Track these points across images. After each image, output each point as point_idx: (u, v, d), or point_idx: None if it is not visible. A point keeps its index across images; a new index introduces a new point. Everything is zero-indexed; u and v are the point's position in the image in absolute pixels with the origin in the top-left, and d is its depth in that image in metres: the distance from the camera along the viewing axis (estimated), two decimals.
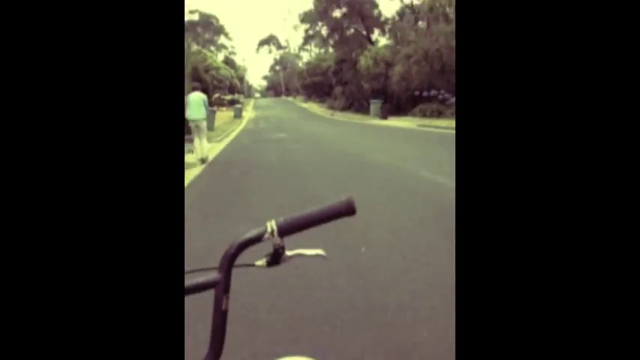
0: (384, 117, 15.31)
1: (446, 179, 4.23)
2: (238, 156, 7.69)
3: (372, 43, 20.97)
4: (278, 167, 6.18)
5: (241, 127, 14.81)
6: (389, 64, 17.40)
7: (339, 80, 23.30)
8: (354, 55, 20.61)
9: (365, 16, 21.29)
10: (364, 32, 21.90)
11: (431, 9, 15.85)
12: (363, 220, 2.96)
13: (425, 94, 15.13)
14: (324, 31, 24.21)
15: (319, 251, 0.50)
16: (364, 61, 17.49)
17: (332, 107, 23.71)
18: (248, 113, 24.24)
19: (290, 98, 51.41)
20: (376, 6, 21.82)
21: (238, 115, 20.22)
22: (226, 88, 34.03)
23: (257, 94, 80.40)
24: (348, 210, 0.47)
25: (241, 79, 51.08)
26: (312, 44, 34.42)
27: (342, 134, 10.93)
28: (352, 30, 22.58)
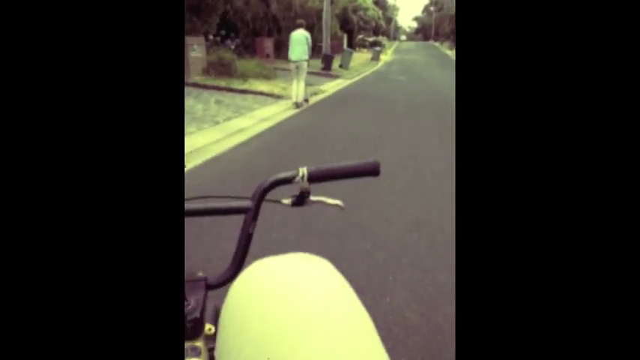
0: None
1: None
2: (359, 88, 9.47)
3: None
4: (383, 97, 7.79)
5: (374, 69, 16.24)
6: None
7: None
8: None
9: None
10: None
11: None
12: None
13: None
14: None
15: (338, 202, 0.54)
16: None
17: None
18: (386, 57, 25.09)
19: (437, 43, 48.53)
20: None
21: (376, 57, 21.37)
22: (371, 30, 34.71)
23: (403, 37, 77.43)
24: (373, 171, 0.53)
25: (389, 20, 50.13)
26: None
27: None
28: None
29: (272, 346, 0.30)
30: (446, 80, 11.55)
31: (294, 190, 0.53)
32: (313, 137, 4.50)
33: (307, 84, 6.94)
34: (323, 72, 12.15)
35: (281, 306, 0.33)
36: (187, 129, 4.45)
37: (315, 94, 7.90)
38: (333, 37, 17.12)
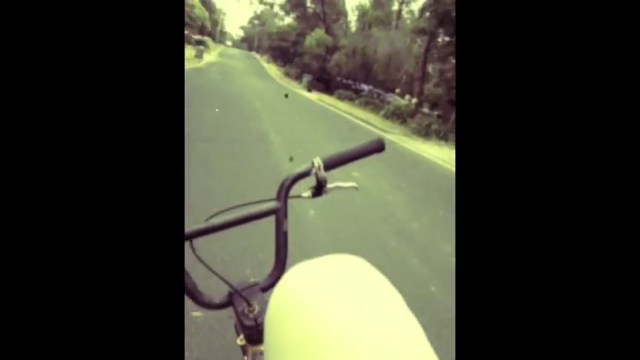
0: (309, 90, 19.75)
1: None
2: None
3: (326, 27, 25.05)
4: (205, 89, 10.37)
5: (197, 65, 18.34)
6: (329, 50, 21.73)
7: (295, 51, 27.19)
8: (309, 32, 24.63)
9: (324, 1, 25.25)
10: (322, 15, 25.91)
11: (363, 15, 20.31)
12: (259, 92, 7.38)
13: (345, 81, 19.79)
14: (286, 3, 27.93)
15: (353, 184, 0.59)
16: (309, 40, 21.70)
17: (287, 74, 27.68)
18: (210, 58, 27.38)
19: (257, 55, 53.90)
20: None
21: (199, 55, 23.42)
22: (197, 29, 35.99)
23: (229, 43, 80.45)
24: (378, 147, 0.57)
25: (215, 22, 52.08)
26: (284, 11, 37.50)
27: (266, 92, 15.10)
28: (311, 10, 26.50)
29: (320, 355, 0.29)
30: (254, 86, 15.03)
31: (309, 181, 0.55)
32: None
33: None
34: None
35: (326, 309, 0.32)
36: None
37: None
38: None
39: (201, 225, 0.49)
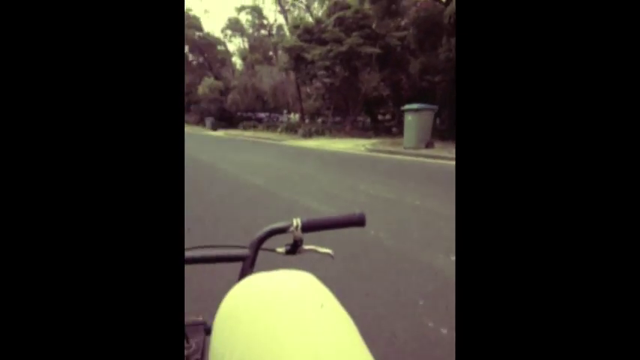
0: (215, 129, 22.51)
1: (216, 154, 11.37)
2: None
3: (215, 75, 28.21)
4: None
5: None
6: (222, 92, 24.84)
7: (190, 100, 29.75)
8: (199, 81, 27.53)
9: (205, 52, 28.53)
10: (207, 64, 29.08)
11: (244, 58, 24.05)
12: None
13: (245, 114, 23.04)
14: None
15: (328, 250, 0.60)
16: (201, 89, 24.64)
17: (188, 122, 29.87)
18: None
19: None
20: (220, 43, 29.34)
21: None
22: None
23: None
24: (358, 221, 0.58)
25: None
26: None
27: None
28: (195, 62, 29.61)
29: (261, 356, 0.31)
30: None
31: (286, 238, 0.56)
32: None
33: None
34: None
35: (269, 317, 0.35)
36: None
37: None
38: None
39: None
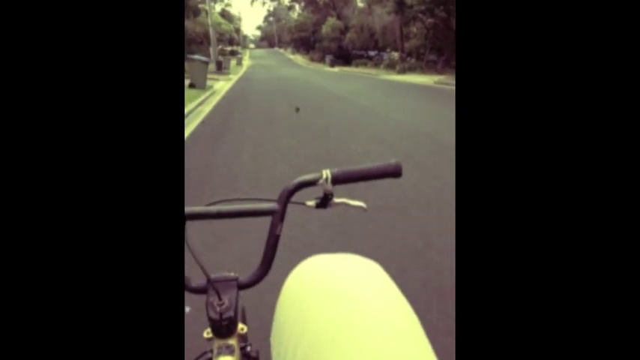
0: (332, 66, 26.93)
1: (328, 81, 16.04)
2: (248, 77, 19.39)
3: (337, 14, 32.01)
4: (263, 82, 17.94)
5: (244, 69, 26.26)
6: (342, 32, 28.74)
7: (315, 39, 34.48)
8: (323, 20, 31.85)
9: None
10: (331, 4, 32.90)
11: None
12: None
13: (358, 52, 26.77)
14: None
15: (361, 203, 0.57)
16: (324, 29, 28.94)
17: (312, 59, 35.07)
18: (246, 62, 35.68)
19: (281, 50, 61.93)
20: None
21: (239, 62, 31.72)
22: (227, 41, 44.36)
23: (251, 45, 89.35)
24: (395, 172, 0.55)
25: (237, 30, 60.54)
26: (298, 5, 44.97)
27: (300, 74, 22.39)
28: (322, 1, 33.67)
29: (325, 343, 0.32)
30: (289, 72, 22.40)
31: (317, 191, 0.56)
32: (247, 87, 14.40)
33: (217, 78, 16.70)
34: (217, 72, 21.52)
35: (332, 305, 0.35)
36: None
37: (229, 79, 17.61)
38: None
39: (200, 208, 0.54)
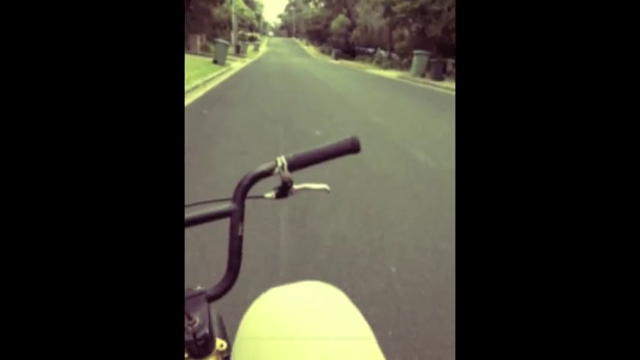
0: (336, 59, 31.00)
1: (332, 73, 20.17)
2: (261, 61, 23.52)
3: (348, 11, 36.00)
4: (270, 65, 22.05)
5: (260, 55, 30.44)
6: (349, 28, 32.80)
7: (327, 33, 38.57)
8: (334, 16, 35.94)
9: None
10: (343, 1, 36.89)
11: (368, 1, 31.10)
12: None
13: (360, 48, 30.89)
14: None
15: (324, 185, 0.55)
16: (334, 24, 33.08)
17: (323, 51, 39.23)
18: (263, 48, 40.00)
19: (297, 40, 66.03)
20: None
21: (256, 48, 36.02)
22: (247, 27, 48.37)
23: (270, 33, 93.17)
24: (353, 147, 0.54)
25: (258, 16, 64.37)
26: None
27: (304, 63, 26.40)
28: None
29: None
30: (296, 61, 26.45)
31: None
32: (256, 68, 18.58)
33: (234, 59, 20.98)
34: (236, 54, 25.74)
35: (293, 335, 0.36)
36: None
37: (244, 61, 21.83)
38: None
39: None
